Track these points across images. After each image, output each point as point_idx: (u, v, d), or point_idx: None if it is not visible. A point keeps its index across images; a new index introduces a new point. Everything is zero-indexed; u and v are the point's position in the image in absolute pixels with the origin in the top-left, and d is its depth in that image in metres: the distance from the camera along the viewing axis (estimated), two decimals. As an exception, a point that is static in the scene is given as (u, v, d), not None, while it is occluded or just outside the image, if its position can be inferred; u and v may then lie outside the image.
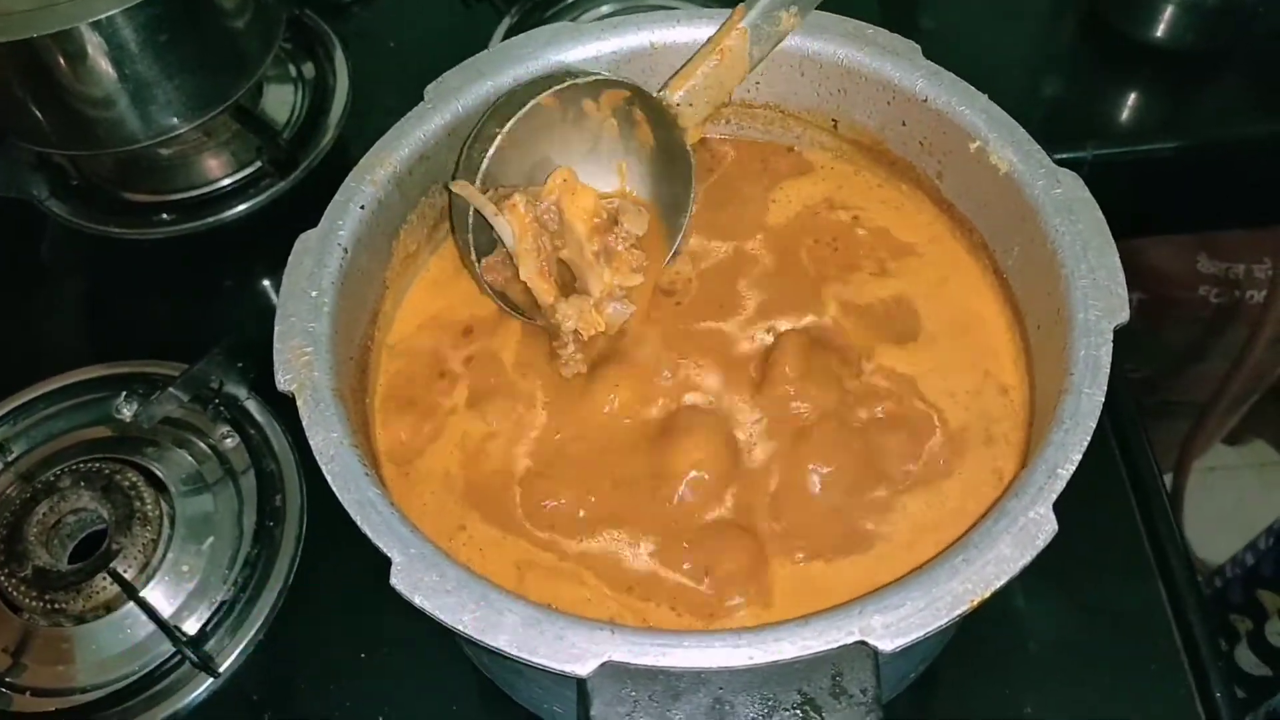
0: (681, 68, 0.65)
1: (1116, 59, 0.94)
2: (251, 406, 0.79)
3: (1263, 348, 1.31)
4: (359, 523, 0.48)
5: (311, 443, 0.50)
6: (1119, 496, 0.75)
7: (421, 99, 0.63)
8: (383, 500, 0.48)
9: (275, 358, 0.52)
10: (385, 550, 0.47)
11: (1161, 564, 0.72)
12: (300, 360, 0.52)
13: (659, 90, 0.64)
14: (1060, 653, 0.70)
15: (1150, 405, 1.42)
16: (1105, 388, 0.50)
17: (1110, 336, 0.52)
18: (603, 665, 0.44)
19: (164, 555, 0.72)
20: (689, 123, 0.65)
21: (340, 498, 0.48)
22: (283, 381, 0.52)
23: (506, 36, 0.89)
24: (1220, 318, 1.31)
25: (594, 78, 0.62)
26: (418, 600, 0.46)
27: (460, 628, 0.45)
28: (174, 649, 0.69)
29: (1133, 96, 0.93)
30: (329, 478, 0.49)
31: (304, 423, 0.50)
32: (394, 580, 0.46)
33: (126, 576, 0.69)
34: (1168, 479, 0.84)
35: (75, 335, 0.92)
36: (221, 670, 0.69)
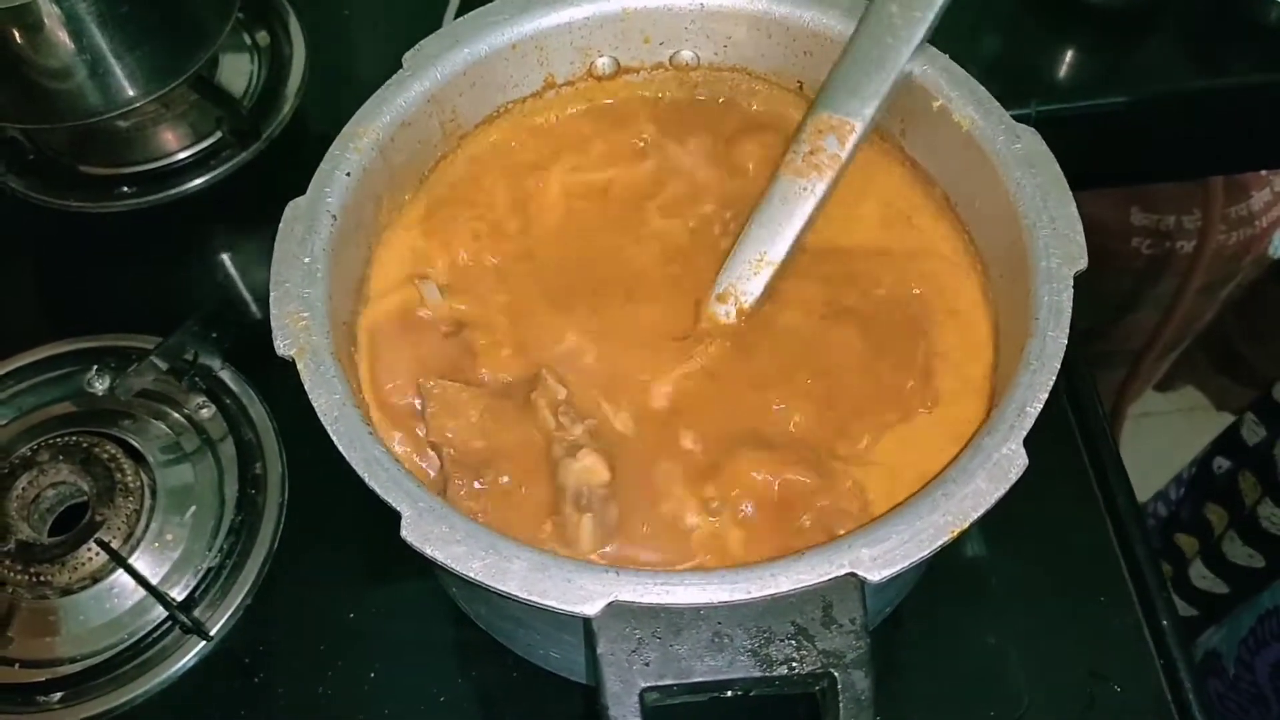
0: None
1: (1055, 19, 0.97)
2: (226, 376, 0.80)
3: (1192, 296, 1.37)
4: (367, 480, 0.49)
5: (315, 405, 0.51)
6: (1068, 442, 0.78)
7: (388, 65, 0.63)
8: (388, 458, 0.50)
9: (273, 323, 0.53)
10: (394, 505, 0.48)
11: (1109, 505, 0.76)
12: (298, 325, 0.53)
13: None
14: (1019, 590, 0.73)
15: (1088, 355, 1.47)
16: (1068, 330, 0.53)
17: (1071, 282, 0.55)
18: (609, 605, 0.47)
19: (147, 525, 0.72)
20: None
21: (347, 456, 0.49)
22: (282, 347, 0.53)
23: (461, 4, 0.89)
24: (1152, 268, 1.37)
25: None
26: (429, 551, 0.47)
27: (471, 574, 0.47)
28: (162, 616, 0.70)
29: (1071, 55, 0.96)
30: (335, 438, 0.50)
31: (306, 386, 0.51)
32: (405, 533, 0.48)
33: (113, 547, 0.70)
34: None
35: (37, 311, 0.91)
36: (212, 634, 0.70)
